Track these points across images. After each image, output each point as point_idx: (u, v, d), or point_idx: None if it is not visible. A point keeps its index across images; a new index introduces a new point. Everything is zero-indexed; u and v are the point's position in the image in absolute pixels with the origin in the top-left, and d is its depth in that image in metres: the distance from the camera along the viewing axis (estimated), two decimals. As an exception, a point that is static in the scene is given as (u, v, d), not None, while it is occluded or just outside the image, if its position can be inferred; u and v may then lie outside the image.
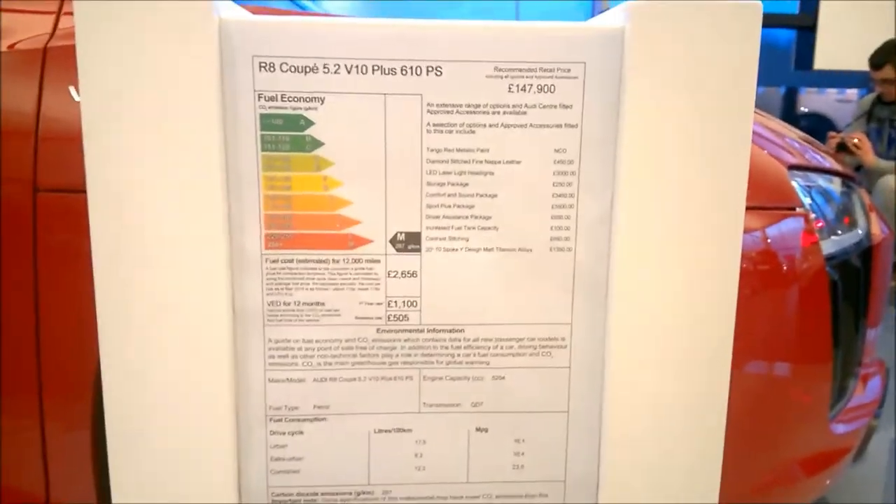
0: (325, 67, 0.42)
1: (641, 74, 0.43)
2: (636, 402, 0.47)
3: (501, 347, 0.47)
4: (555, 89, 0.44)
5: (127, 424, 0.45)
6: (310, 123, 0.43)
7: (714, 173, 0.44)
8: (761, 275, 0.75)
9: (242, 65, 0.42)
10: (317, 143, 0.44)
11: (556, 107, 0.44)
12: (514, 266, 0.46)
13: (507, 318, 0.47)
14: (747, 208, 0.45)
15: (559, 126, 0.44)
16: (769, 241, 0.75)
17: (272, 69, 0.42)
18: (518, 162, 0.45)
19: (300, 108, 0.43)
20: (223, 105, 0.42)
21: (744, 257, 0.73)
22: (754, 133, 0.92)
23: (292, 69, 0.42)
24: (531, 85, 0.44)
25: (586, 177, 0.45)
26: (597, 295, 0.47)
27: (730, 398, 0.47)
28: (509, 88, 0.44)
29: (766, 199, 0.77)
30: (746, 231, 0.72)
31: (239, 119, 0.43)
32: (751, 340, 0.73)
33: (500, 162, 0.45)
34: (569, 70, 0.44)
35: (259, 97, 0.43)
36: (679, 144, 0.44)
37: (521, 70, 0.43)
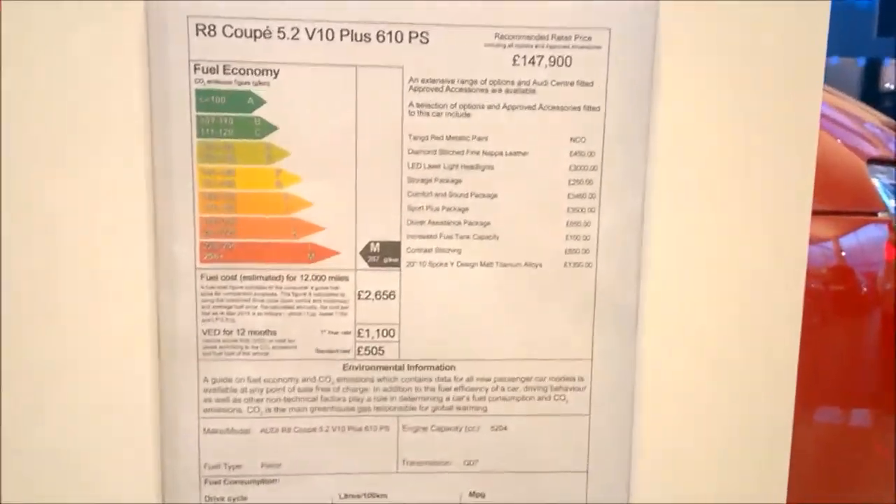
0: (279, 31, 0.43)
1: (681, 44, 0.43)
2: (674, 463, 0.47)
3: (502, 389, 0.48)
4: (571, 62, 0.44)
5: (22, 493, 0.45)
6: (260, 102, 0.44)
7: (773, 170, 0.45)
8: (834, 297, 0.75)
9: (174, 27, 0.42)
10: (268, 128, 0.44)
11: (572, 84, 0.45)
12: (518, 285, 0.47)
13: (509, 351, 0.47)
14: (816, 213, 0.45)
15: (576, 109, 0.45)
16: (844, 254, 0.76)
17: (212, 33, 0.43)
18: (524, 153, 0.45)
19: (247, 83, 0.43)
20: (148, 78, 0.43)
21: (811, 275, 0.74)
22: (824, 118, 0.93)
23: (238, 33, 0.43)
24: (541, 56, 0.44)
25: (610, 174, 0.46)
26: (623, 323, 0.47)
27: (794, 456, 0.47)
28: (514, 60, 0.44)
29: (839, 201, 0.78)
30: (815, 242, 0.73)
31: (168, 96, 0.43)
32: (821, 382, 0.74)
33: (501, 153, 0.45)
34: (589, 38, 0.44)
35: (195, 68, 0.43)
36: (727, 133, 0.44)
37: (528, 38, 0.44)
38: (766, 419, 0.47)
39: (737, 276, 0.46)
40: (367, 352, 0.47)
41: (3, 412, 0.44)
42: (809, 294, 0.69)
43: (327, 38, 0.43)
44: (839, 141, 0.85)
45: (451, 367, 0.47)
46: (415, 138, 0.45)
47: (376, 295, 0.46)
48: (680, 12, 0.43)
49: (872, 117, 0.99)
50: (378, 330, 0.47)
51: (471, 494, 0.49)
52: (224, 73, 0.43)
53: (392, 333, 0.47)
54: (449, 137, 0.45)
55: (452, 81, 0.44)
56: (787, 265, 0.46)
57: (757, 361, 0.46)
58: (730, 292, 0.46)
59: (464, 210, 0.46)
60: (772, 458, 0.47)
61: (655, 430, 0.47)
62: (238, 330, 0.46)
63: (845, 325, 0.76)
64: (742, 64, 0.44)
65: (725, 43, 0.43)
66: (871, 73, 4.08)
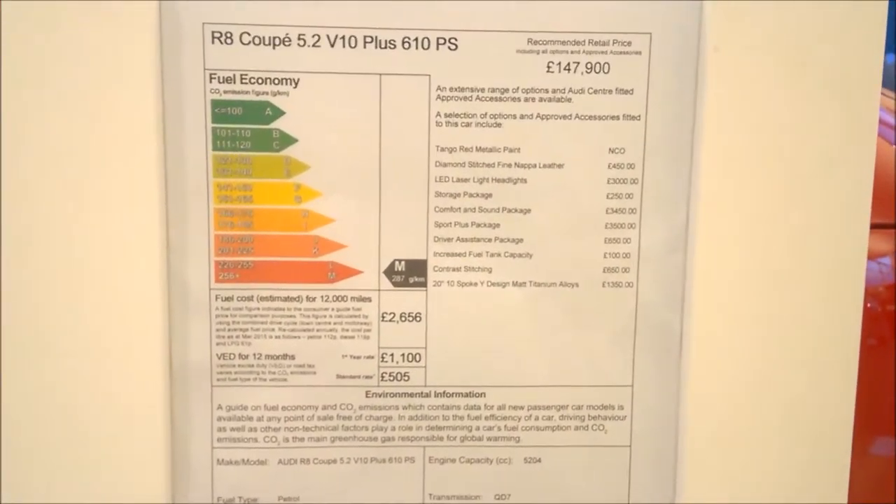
0: (300, 38, 0.43)
1: (727, 48, 0.43)
2: (722, 499, 0.46)
3: (536, 418, 0.48)
4: (609, 69, 0.44)
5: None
6: (279, 113, 0.44)
7: (827, 182, 0.45)
8: (892, 318, 0.74)
9: (188, 34, 0.43)
10: (288, 140, 0.44)
11: (611, 92, 0.45)
12: (553, 307, 0.46)
13: (543, 378, 0.47)
14: (873, 227, 0.45)
15: (615, 118, 0.45)
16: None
17: (229, 40, 0.43)
18: (559, 166, 0.45)
19: (266, 93, 0.44)
20: (162, 88, 0.43)
21: (867, 294, 0.73)
22: (881, 123, 0.93)
23: (256, 40, 0.43)
24: (577, 63, 0.44)
25: (652, 188, 0.46)
26: (667, 348, 0.47)
27: (852, 489, 0.47)
28: (548, 67, 0.44)
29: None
30: (871, 257, 0.72)
31: (183, 107, 0.44)
32: (877, 410, 0.73)
33: (535, 166, 0.45)
34: (629, 43, 0.44)
35: (211, 78, 0.43)
36: (778, 143, 0.44)
37: (563, 43, 0.44)
38: (822, 450, 0.46)
39: (789, 296, 0.45)
40: (392, 378, 0.47)
41: (8, 439, 0.44)
42: (865, 314, 0.68)
43: (350, 45, 0.43)
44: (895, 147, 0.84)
45: (482, 395, 0.47)
46: (442, 150, 0.45)
47: (401, 317, 0.46)
48: (725, 14, 0.43)
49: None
50: (403, 354, 0.47)
51: (502, 531, 0.49)
52: (241, 82, 0.44)
53: (418, 358, 0.47)
54: (479, 149, 0.45)
55: (482, 90, 0.44)
56: (844, 284, 0.46)
57: (811, 388, 0.46)
58: (781, 313, 0.45)
59: (495, 226, 0.46)
60: (829, 492, 0.47)
61: (701, 463, 0.47)
62: (254, 354, 0.46)
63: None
64: (793, 68, 0.44)
65: (775, 46, 0.43)
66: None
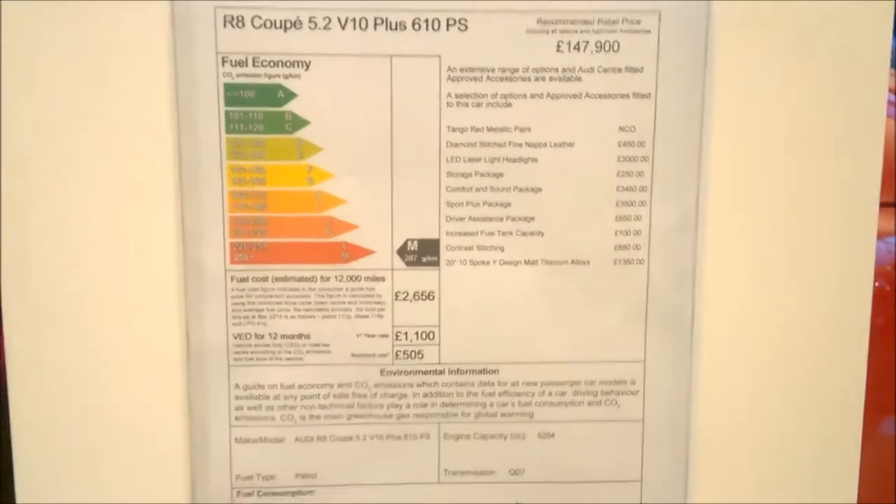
0: (311, 21, 0.44)
1: (739, 27, 0.44)
2: (734, 471, 0.48)
3: (550, 394, 0.49)
4: (619, 47, 0.45)
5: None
6: (291, 96, 0.45)
7: (838, 161, 0.45)
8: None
9: (201, 18, 0.44)
10: (300, 123, 0.45)
11: (620, 70, 0.45)
12: (565, 285, 0.47)
13: (556, 354, 0.48)
14: (882, 205, 0.45)
15: (625, 97, 0.46)
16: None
17: (241, 24, 0.44)
18: (570, 145, 0.46)
19: (278, 76, 0.45)
20: (174, 72, 0.44)
21: (876, 273, 0.73)
22: (889, 104, 0.93)
23: (268, 24, 0.44)
24: (587, 42, 0.45)
25: (662, 166, 0.46)
26: (678, 324, 0.48)
27: (861, 469, 0.48)
28: (558, 47, 0.45)
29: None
30: (880, 236, 0.73)
31: (196, 90, 0.44)
32: (887, 390, 0.74)
33: (545, 145, 0.46)
34: (638, 22, 0.45)
35: (223, 61, 0.44)
36: (789, 122, 0.45)
37: (573, 22, 0.45)
38: (832, 425, 0.47)
39: (799, 273, 0.46)
40: (406, 356, 0.48)
41: (28, 421, 0.45)
42: (874, 294, 0.69)
43: (361, 27, 0.44)
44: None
45: (495, 371, 0.48)
46: (453, 130, 0.46)
47: (414, 296, 0.47)
48: (734, -8, 0.44)
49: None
50: (417, 332, 0.48)
51: (516, 507, 0.50)
52: (253, 65, 0.44)
53: (432, 336, 0.48)
54: (489, 129, 0.46)
55: (493, 70, 0.45)
56: (854, 263, 0.46)
57: (821, 364, 0.47)
58: (791, 291, 0.46)
59: (506, 205, 0.47)
60: (839, 467, 0.48)
61: (713, 437, 0.47)
62: (270, 334, 0.47)
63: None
64: (802, 46, 0.44)
65: (784, 25, 0.44)
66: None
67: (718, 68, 0.44)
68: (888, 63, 0.44)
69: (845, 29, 0.44)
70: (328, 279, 0.47)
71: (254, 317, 0.47)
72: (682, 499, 0.49)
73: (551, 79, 0.45)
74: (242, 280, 0.47)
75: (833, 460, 0.48)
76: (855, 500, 0.48)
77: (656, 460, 0.49)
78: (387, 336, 0.48)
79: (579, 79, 0.45)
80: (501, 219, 0.47)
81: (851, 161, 0.45)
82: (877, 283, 0.73)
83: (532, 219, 0.47)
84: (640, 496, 0.49)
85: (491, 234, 0.47)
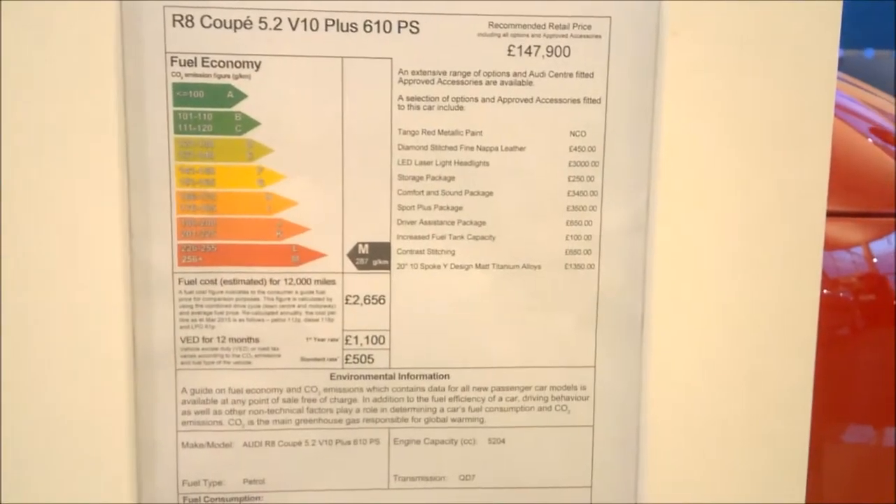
0: (261, 21, 0.44)
1: (686, 32, 0.44)
2: (683, 476, 0.48)
3: (500, 399, 0.49)
4: (570, 52, 0.46)
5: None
6: (241, 96, 0.45)
7: (786, 166, 0.46)
8: (864, 308, 0.76)
9: (150, 17, 0.44)
10: (250, 123, 0.45)
11: (571, 75, 0.46)
12: (516, 288, 0.48)
13: (507, 359, 0.48)
14: (844, 215, 0.46)
15: (576, 101, 0.46)
16: (875, 260, 0.77)
17: (190, 23, 0.44)
18: (521, 149, 0.46)
19: (227, 76, 0.45)
20: (122, 72, 0.44)
21: (839, 283, 0.74)
22: (854, 114, 0.94)
23: (217, 23, 0.44)
24: (538, 46, 0.45)
25: (613, 170, 0.47)
26: (628, 329, 0.48)
27: (818, 477, 0.48)
28: (509, 51, 0.45)
29: (869, 202, 0.78)
30: (843, 247, 0.74)
31: (144, 90, 0.44)
32: (851, 398, 0.74)
33: (496, 149, 0.46)
34: (589, 27, 0.45)
35: (172, 61, 0.44)
36: (736, 127, 0.45)
37: (524, 27, 0.45)
38: (781, 429, 0.48)
39: (748, 278, 0.47)
40: (356, 360, 0.48)
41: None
42: (838, 304, 0.69)
43: (311, 28, 0.44)
44: (870, 140, 0.86)
45: (445, 376, 0.48)
46: (405, 133, 0.46)
47: (365, 299, 0.47)
48: (684, -2, 0.44)
49: (906, 113, 1.00)
50: (367, 337, 0.48)
51: (468, 513, 0.50)
52: (202, 65, 0.44)
53: (382, 340, 0.48)
54: (441, 132, 0.46)
55: (444, 73, 0.45)
56: (802, 267, 0.47)
57: (770, 369, 0.47)
58: (741, 293, 0.47)
59: (457, 209, 0.47)
60: (787, 470, 0.48)
61: (663, 442, 0.48)
62: (218, 337, 0.47)
63: (877, 337, 0.76)
64: (751, 52, 0.45)
65: (733, 31, 0.44)
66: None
67: (667, 74, 0.45)
68: (836, 63, 0.45)
69: (792, 36, 0.45)
70: (278, 282, 0.47)
71: (202, 320, 0.47)
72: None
73: (503, 83, 0.46)
74: (190, 282, 0.47)
75: (782, 463, 0.48)
76: (803, 501, 0.48)
77: (606, 465, 0.49)
78: (337, 340, 0.48)
79: (530, 83, 0.46)
80: (453, 222, 0.47)
81: (799, 163, 0.46)
82: (841, 293, 0.75)
83: (483, 223, 0.47)
84: (591, 501, 0.50)
85: (442, 237, 0.47)
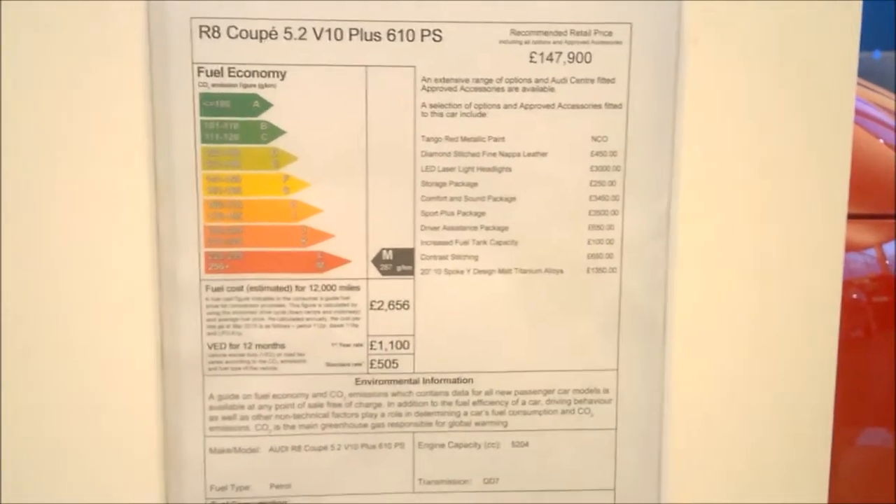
0: (286, 32, 0.45)
1: (706, 37, 0.45)
2: (705, 478, 0.48)
3: (523, 403, 0.49)
4: (591, 58, 0.46)
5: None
6: (266, 106, 0.46)
7: (806, 170, 0.46)
8: (879, 309, 0.76)
9: (177, 29, 0.44)
10: (275, 132, 0.46)
11: (593, 81, 0.46)
12: (538, 293, 0.48)
13: (530, 363, 0.49)
14: (857, 217, 0.46)
15: (597, 107, 0.47)
16: (888, 262, 0.77)
17: (216, 34, 0.45)
18: (543, 154, 0.47)
19: (253, 86, 0.45)
20: (150, 82, 0.44)
21: (853, 285, 0.74)
22: (865, 116, 0.94)
23: (244, 34, 0.45)
24: (560, 53, 0.46)
25: (634, 175, 0.47)
26: (651, 333, 0.49)
27: (837, 480, 0.49)
28: (531, 57, 0.46)
29: (882, 204, 0.78)
30: (856, 249, 0.74)
31: (171, 100, 0.45)
32: (865, 401, 0.75)
33: (519, 154, 0.47)
34: (610, 33, 0.46)
35: (199, 71, 0.45)
36: (758, 131, 0.46)
37: (546, 34, 0.46)
38: (803, 430, 0.48)
39: (770, 280, 0.47)
40: (381, 365, 0.48)
41: (3, 430, 0.46)
42: (852, 305, 0.70)
43: (336, 37, 0.45)
44: (882, 141, 0.86)
45: (469, 381, 0.49)
46: (428, 140, 0.46)
47: (389, 305, 0.48)
48: (705, 3, 0.45)
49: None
50: (391, 342, 0.48)
51: (491, 516, 0.50)
52: (229, 75, 0.45)
53: (406, 345, 0.48)
54: (464, 139, 0.47)
55: (467, 80, 0.46)
56: (823, 271, 0.47)
57: (793, 370, 0.48)
58: (762, 297, 0.47)
59: (480, 214, 0.47)
60: (809, 470, 0.48)
61: (686, 445, 0.48)
62: (245, 344, 0.48)
63: (891, 339, 0.76)
64: (772, 57, 0.45)
65: (754, 35, 0.45)
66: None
67: (689, 80, 0.45)
68: (855, 72, 0.46)
69: (814, 40, 0.45)
70: (303, 288, 0.47)
71: (228, 326, 0.48)
72: (655, 506, 0.50)
73: (524, 89, 0.46)
74: (217, 289, 0.47)
75: (804, 465, 0.48)
76: (826, 502, 0.48)
77: (629, 468, 0.50)
78: (361, 345, 0.48)
79: (552, 89, 0.46)
80: (476, 228, 0.47)
81: (821, 168, 0.46)
82: (854, 295, 0.75)
83: (506, 228, 0.48)
84: (614, 503, 0.50)
85: (465, 243, 0.48)
